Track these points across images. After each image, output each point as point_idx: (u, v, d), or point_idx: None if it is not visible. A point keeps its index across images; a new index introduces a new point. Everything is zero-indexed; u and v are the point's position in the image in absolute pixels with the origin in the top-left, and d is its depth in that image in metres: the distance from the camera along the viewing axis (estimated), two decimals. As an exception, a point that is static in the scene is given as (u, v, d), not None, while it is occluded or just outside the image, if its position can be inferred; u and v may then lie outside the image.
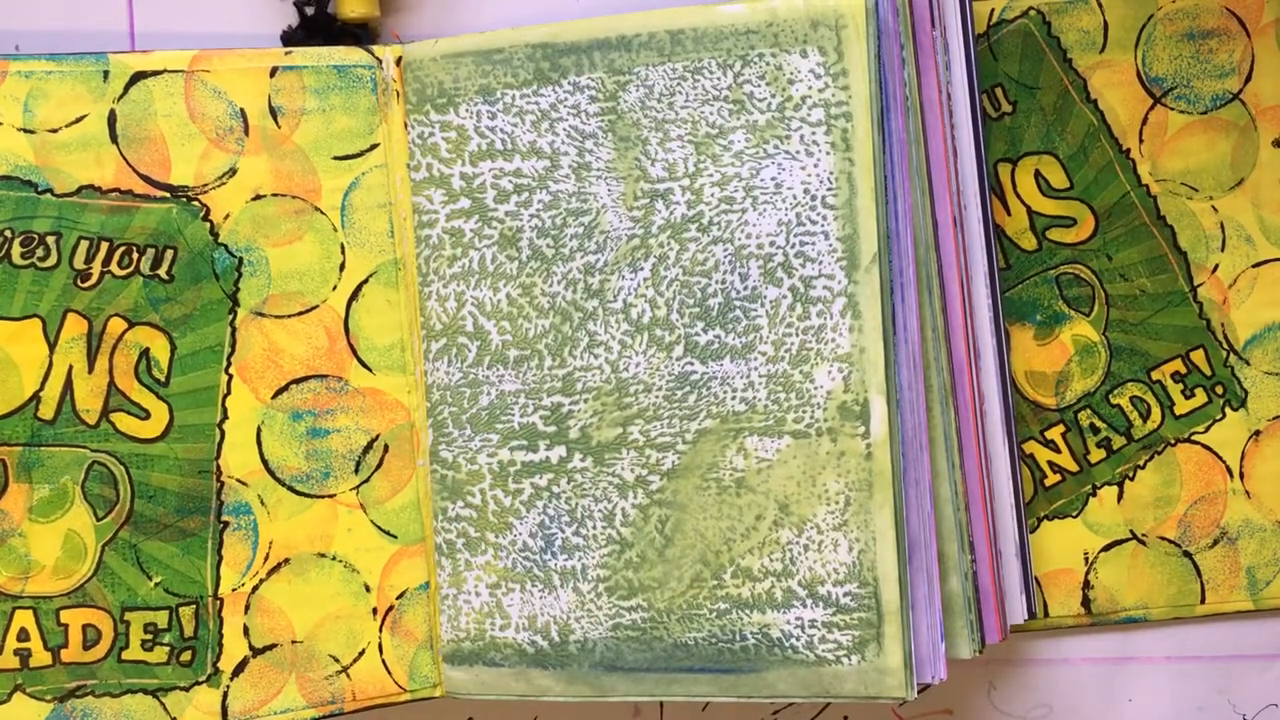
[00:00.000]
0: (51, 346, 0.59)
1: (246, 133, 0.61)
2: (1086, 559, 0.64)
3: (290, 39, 0.63)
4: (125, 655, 0.60)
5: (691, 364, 0.59)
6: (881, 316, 0.57)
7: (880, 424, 0.57)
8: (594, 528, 0.60)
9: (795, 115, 0.58)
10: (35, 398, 0.59)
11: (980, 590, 0.61)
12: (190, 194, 0.61)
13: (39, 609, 0.60)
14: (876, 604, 0.57)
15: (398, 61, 0.62)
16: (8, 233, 0.59)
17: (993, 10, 0.63)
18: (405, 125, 0.62)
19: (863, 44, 0.57)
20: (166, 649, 0.60)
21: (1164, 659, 0.65)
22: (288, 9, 0.63)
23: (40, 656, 0.60)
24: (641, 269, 0.60)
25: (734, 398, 0.59)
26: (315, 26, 0.63)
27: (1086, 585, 0.64)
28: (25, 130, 0.59)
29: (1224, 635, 0.65)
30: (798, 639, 0.58)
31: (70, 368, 0.60)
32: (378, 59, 0.62)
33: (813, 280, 0.58)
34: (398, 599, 0.62)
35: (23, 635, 0.59)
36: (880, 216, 0.57)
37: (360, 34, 0.63)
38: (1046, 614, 0.64)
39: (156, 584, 0.60)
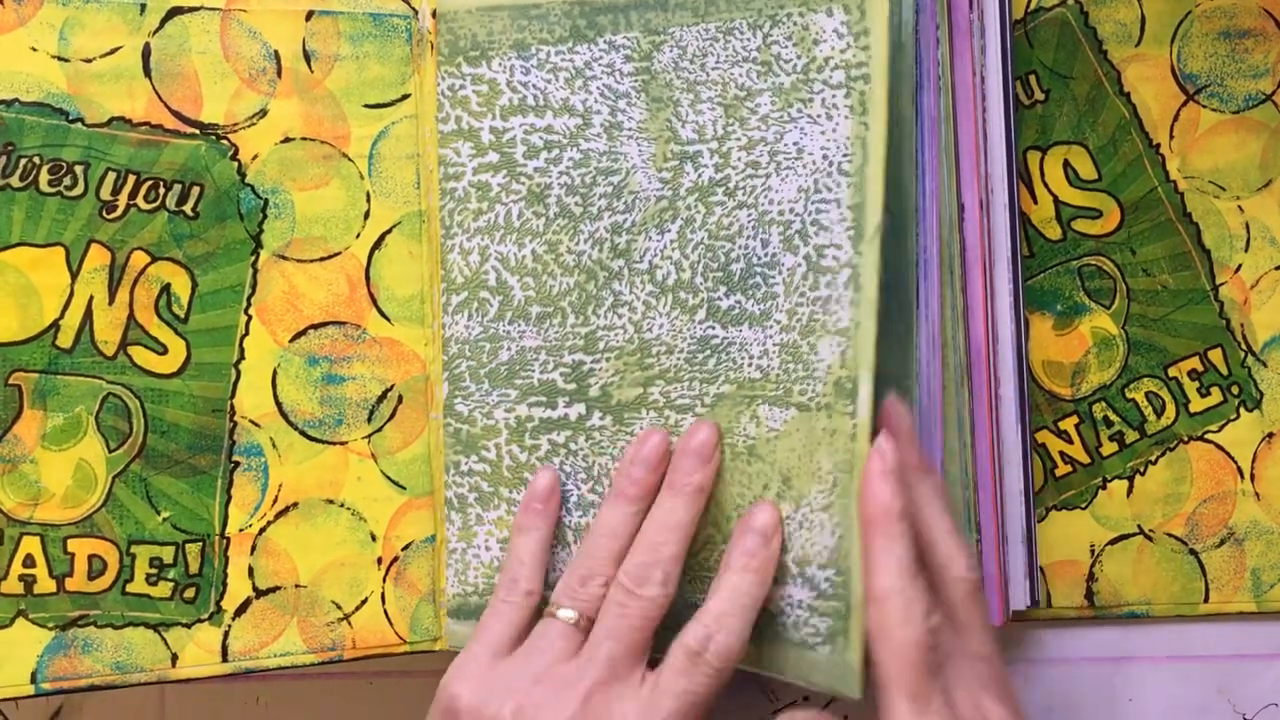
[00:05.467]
0: (74, 275, 0.59)
1: (279, 75, 0.61)
2: (1092, 551, 0.64)
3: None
4: (129, 588, 0.60)
5: (713, 328, 0.58)
6: (878, 292, 0.55)
7: (865, 406, 0.55)
8: (610, 485, 0.60)
9: (818, 77, 0.56)
10: (54, 325, 0.59)
11: (984, 572, 0.60)
12: (220, 132, 0.61)
13: (46, 536, 0.60)
14: (847, 594, 0.54)
15: (433, 13, 0.61)
16: (36, 159, 0.59)
17: (1030, -2, 0.63)
18: (436, 77, 0.61)
19: (884, 2, 0.55)
20: (171, 584, 0.60)
21: (1165, 659, 0.65)
22: None
23: (45, 584, 0.59)
24: (669, 231, 0.59)
25: (750, 364, 0.58)
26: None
27: (1091, 578, 0.64)
28: (59, 58, 0.59)
29: (1225, 635, 0.65)
30: (787, 616, 0.56)
31: (91, 298, 0.60)
32: (414, 9, 0.61)
33: (824, 249, 0.56)
34: (403, 550, 0.62)
35: (29, 561, 0.59)
36: (889, 187, 0.55)
37: None
38: (1049, 604, 0.64)
39: (164, 519, 0.60)
